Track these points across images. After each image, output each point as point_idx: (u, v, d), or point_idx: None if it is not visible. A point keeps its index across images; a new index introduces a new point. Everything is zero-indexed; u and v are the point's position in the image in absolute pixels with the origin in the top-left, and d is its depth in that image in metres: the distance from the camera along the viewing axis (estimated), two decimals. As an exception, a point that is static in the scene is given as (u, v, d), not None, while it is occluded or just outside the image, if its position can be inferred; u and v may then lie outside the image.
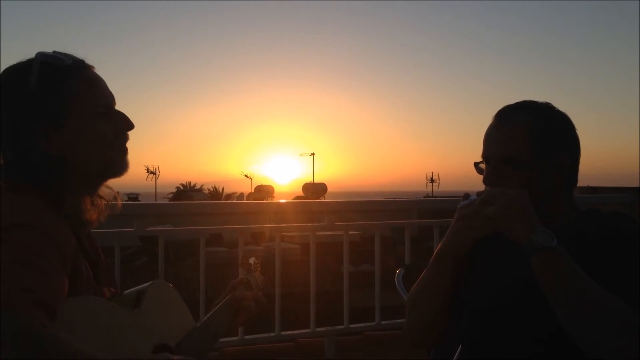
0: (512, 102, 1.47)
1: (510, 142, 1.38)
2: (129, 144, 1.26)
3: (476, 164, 1.46)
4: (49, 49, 1.19)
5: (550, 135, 1.39)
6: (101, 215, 1.26)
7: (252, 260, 1.64)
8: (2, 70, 1.19)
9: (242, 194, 32.12)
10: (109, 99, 1.22)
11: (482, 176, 1.44)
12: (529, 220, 1.23)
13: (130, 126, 1.23)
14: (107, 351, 0.97)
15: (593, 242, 1.30)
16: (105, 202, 1.27)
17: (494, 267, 1.41)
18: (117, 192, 1.31)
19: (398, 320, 3.38)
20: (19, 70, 1.16)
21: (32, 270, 0.90)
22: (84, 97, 1.17)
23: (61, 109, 1.14)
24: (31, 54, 1.18)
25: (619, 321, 1.15)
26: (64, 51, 1.20)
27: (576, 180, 1.45)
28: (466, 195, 1.36)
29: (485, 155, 1.43)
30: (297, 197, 25.14)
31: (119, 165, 1.23)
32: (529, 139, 1.37)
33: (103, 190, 1.27)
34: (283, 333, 3.19)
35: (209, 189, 34.96)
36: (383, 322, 3.39)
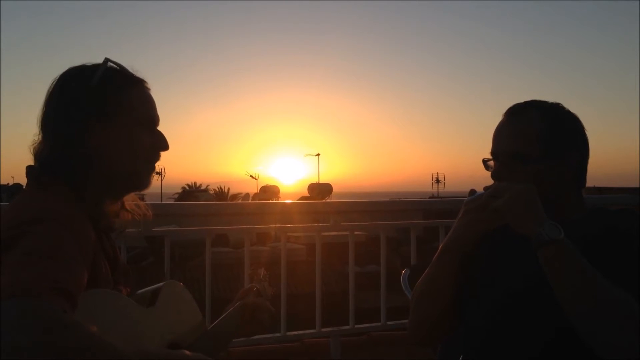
0: (517, 101, 1.47)
1: (519, 138, 1.39)
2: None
3: (484, 161, 1.46)
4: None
5: (560, 133, 1.39)
6: (124, 220, 1.32)
7: (262, 272, 1.64)
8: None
9: (247, 195, 32.13)
10: (156, 117, 1.29)
11: (489, 174, 1.44)
12: (537, 213, 1.23)
13: (166, 147, 1.29)
14: (123, 343, 0.98)
15: (600, 238, 1.30)
16: (135, 214, 1.34)
17: (501, 261, 1.41)
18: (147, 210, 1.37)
19: (404, 321, 3.36)
20: (87, 68, 1.24)
21: (52, 261, 0.92)
22: (135, 105, 1.24)
23: (111, 107, 1.20)
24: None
25: (625, 314, 1.15)
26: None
27: (584, 181, 1.45)
28: (472, 191, 1.37)
29: (493, 151, 1.44)
30: (303, 198, 25.12)
31: (144, 178, 1.27)
32: (538, 136, 1.38)
33: (131, 205, 1.33)
34: (289, 333, 3.19)
35: (214, 190, 35.00)
36: (389, 323, 3.38)
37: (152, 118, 1.28)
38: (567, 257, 1.19)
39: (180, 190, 34.89)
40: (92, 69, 1.22)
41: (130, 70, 1.27)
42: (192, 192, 33.56)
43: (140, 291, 1.26)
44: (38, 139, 1.21)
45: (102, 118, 1.19)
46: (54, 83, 1.24)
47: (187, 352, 0.95)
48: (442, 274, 1.39)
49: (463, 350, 1.43)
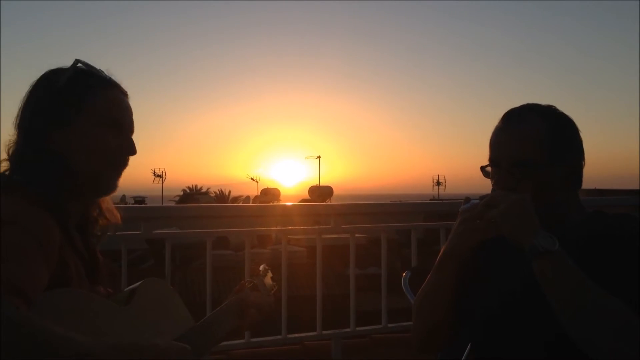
0: (517, 104, 1.46)
1: (521, 144, 1.36)
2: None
3: (482, 168, 1.44)
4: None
5: (560, 136, 1.38)
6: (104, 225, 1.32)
7: (262, 267, 1.65)
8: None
9: (248, 197, 32.15)
10: (126, 122, 1.28)
11: (487, 179, 1.43)
12: (531, 223, 1.23)
13: (133, 151, 1.28)
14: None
15: (599, 244, 1.29)
16: (109, 220, 1.33)
17: (497, 270, 1.41)
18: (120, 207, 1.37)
19: (405, 323, 3.38)
20: (57, 71, 1.25)
21: (6, 262, 0.93)
22: (101, 106, 1.23)
23: (74, 109, 1.21)
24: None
25: (620, 324, 1.15)
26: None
27: (581, 182, 1.44)
28: (467, 199, 1.36)
29: (494, 159, 1.41)
30: (303, 200, 25.12)
31: (109, 181, 1.26)
32: (540, 141, 1.36)
33: (107, 210, 1.33)
34: (290, 336, 3.19)
35: (215, 192, 35.00)
36: (389, 325, 3.38)
37: (119, 121, 1.26)
38: (561, 268, 1.19)
39: (181, 193, 34.87)
40: (61, 72, 1.24)
41: (104, 73, 1.27)
42: (192, 194, 33.55)
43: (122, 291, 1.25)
44: (13, 138, 1.23)
45: (65, 119, 1.20)
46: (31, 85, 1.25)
47: (158, 343, 0.95)
48: (441, 281, 1.39)
49: (464, 356, 1.44)
